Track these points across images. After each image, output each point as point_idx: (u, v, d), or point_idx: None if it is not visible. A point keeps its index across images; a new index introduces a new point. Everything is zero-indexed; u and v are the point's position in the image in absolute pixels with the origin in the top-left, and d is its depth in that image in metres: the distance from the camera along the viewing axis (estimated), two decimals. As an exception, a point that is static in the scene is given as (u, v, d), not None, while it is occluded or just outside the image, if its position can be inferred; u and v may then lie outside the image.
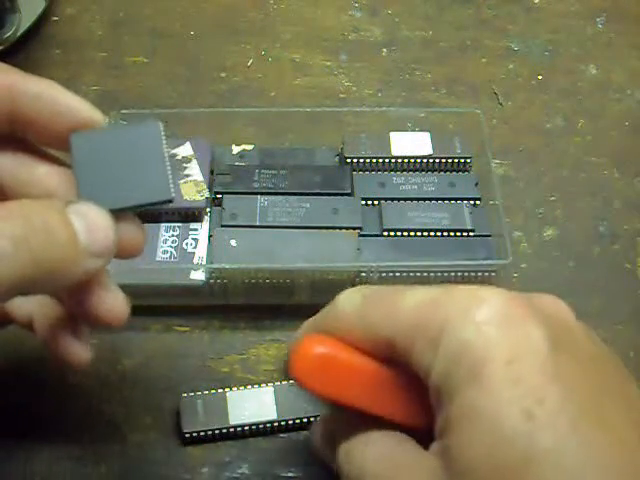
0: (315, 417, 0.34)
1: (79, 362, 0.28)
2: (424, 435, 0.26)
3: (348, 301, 0.28)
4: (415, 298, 0.26)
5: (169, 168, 0.26)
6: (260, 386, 0.35)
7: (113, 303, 0.26)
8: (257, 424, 0.34)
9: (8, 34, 0.47)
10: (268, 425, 0.35)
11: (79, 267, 0.24)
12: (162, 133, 0.26)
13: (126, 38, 0.51)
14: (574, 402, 0.23)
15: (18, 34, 0.48)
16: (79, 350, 0.28)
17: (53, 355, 0.28)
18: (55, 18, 0.52)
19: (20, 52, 0.49)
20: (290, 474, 0.34)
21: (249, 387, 0.35)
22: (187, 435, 0.34)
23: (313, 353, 0.27)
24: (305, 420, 0.35)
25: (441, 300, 0.25)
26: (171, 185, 0.26)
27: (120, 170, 0.25)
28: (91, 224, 0.24)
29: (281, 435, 0.35)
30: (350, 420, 0.29)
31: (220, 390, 0.35)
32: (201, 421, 0.34)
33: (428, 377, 0.25)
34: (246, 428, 0.34)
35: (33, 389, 0.36)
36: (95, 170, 0.25)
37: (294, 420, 0.35)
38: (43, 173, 0.27)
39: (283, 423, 0.35)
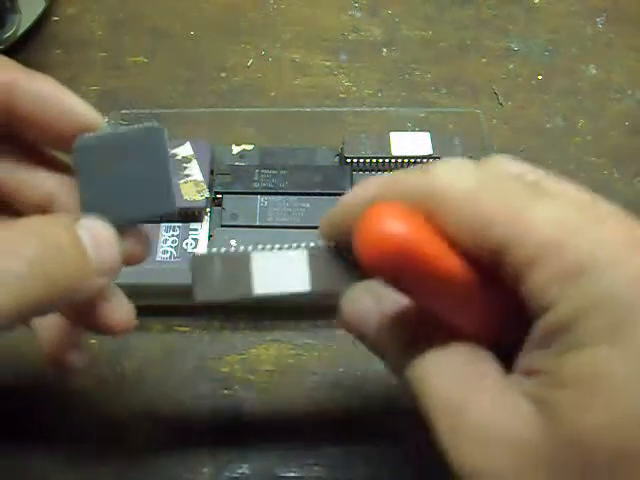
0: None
1: (75, 367, 0.28)
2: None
3: (456, 178, 0.22)
4: (551, 211, 0.21)
5: (171, 178, 0.25)
6: (291, 247, 0.28)
7: (119, 312, 0.26)
8: (287, 295, 0.26)
9: (8, 34, 0.47)
10: (300, 297, 0.26)
11: (89, 285, 0.24)
12: (165, 139, 0.25)
13: (126, 38, 0.51)
14: None
15: (18, 34, 0.48)
16: (76, 356, 0.28)
17: (49, 359, 0.28)
18: (55, 18, 0.52)
19: (20, 52, 0.49)
20: (290, 474, 0.34)
21: (277, 247, 0.28)
22: (200, 302, 0.26)
23: (394, 231, 0.21)
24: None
25: (588, 229, 0.21)
26: (173, 197, 0.25)
27: (123, 180, 0.25)
28: (98, 241, 0.24)
29: (281, 435, 0.35)
30: (427, 319, 0.23)
31: (242, 248, 0.26)
32: (218, 288, 0.26)
33: (545, 311, 0.20)
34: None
35: (33, 390, 0.36)
36: (98, 180, 0.25)
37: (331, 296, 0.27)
38: (43, 176, 0.26)
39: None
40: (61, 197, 0.26)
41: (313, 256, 0.27)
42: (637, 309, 0.19)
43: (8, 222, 0.23)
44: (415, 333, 0.24)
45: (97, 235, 0.24)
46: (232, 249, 0.26)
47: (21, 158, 0.26)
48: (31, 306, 0.22)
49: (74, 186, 0.25)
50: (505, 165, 0.24)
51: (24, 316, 0.22)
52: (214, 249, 0.26)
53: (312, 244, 0.27)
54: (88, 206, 0.25)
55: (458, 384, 0.22)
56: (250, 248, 0.27)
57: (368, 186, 0.24)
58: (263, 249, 0.27)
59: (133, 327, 0.27)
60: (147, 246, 0.27)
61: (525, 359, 0.21)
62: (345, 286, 0.27)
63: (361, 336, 0.26)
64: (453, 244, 0.22)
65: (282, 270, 0.27)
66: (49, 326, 0.28)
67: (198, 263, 0.26)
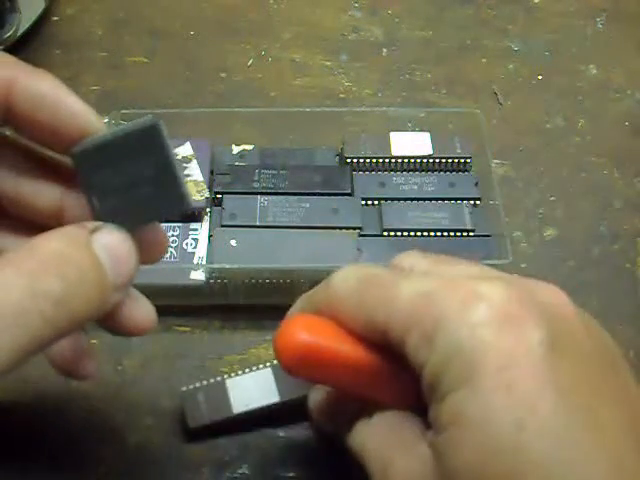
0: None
1: (87, 376, 0.28)
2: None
3: (342, 283, 0.27)
4: (411, 288, 0.25)
5: (178, 171, 0.24)
6: (258, 368, 0.34)
7: (139, 314, 0.26)
8: (261, 409, 0.33)
9: (8, 34, 0.47)
10: (272, 407, 0.34)
11: (107, 305, 0.24)
12: (164, 134, 0.24)
13: (126, 38, 0.51)
14: (567, 407, 0.22)
15: (18, 34, 0.48)
16: (87, 364, 0.28)
17: (61, 370, 0.28)
18: (55, 18, 0.52)
19: (20, 52, 0.49)
20: (290, 474, 0.34)
21: (247, 371, 0.34)
22: (193, 429, 0.34)
23: (297, 340, 0.26)
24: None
25: (438, 294, 0.25)
26: (185, 192, 0.24)
27: (130, 181, 0.24)
28: (116, 257, 0.24)
29: (281, 435, 0.35)
30: (352, 398, 0.29)
31: (219, 378, 0.34)
32: (205, 415, 0.33)
33: (421, 371, 0.25)
34: (251, 415, 0.34)
35: (33, 390, 0.36)
36: (104, 185, 0.24)
37: (296, 399, 0.34)
38: (49, 183, 0.26)
39: (286, 404, 0.34)
40: (70, 203, 0.26)
41: (277, 371, 0.34)
42: (477, 355, 0.23)
43: (23, 247, 0.22)
44: (348, 410, 0.29)
45: (115, 250, 0.24)
46: (212, 380, 0.34)
47: (25, 165, 0.26)
48: (53, 338, 0.22)
49: (84, 200, 0.25)
50: (404, 259, 0.29)
51: (46, 347, 0.22)
52: (197, 384, 0.34)
53: (275, 362, 0.33)
54: (99, 213, 0.24)
55: (385, 446, 0.27)
56: (225, 376, 0.34)
57: (298, 303, 0.30)
58: (236, 375, 0.34)
59: (155, 326, 0.27)
60: (164, 243, 0.27)
61: (429, 413, 0.25)
62: (308, 390, 0.33)
63: (326, 426, 0.32)
64: (356, 332, 0.27)
65: (253, 388, 0.34)
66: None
67: (186, 396, 0.34)
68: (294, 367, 0.26)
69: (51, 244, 0.22)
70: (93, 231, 0.24)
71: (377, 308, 0.26)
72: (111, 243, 0.24)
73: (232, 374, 0.34)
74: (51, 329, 0.21)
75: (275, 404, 0.34)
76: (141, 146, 0.24)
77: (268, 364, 0.35)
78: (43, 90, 0.24)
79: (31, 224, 0.26)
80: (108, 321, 0.26)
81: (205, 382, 0.34)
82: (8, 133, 0.25)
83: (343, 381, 0.27)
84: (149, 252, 0.26)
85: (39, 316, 0.21)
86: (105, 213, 0.24)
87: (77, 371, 0.28)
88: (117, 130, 0.24)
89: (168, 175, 0.24)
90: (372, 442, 0.27)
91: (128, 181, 0.24)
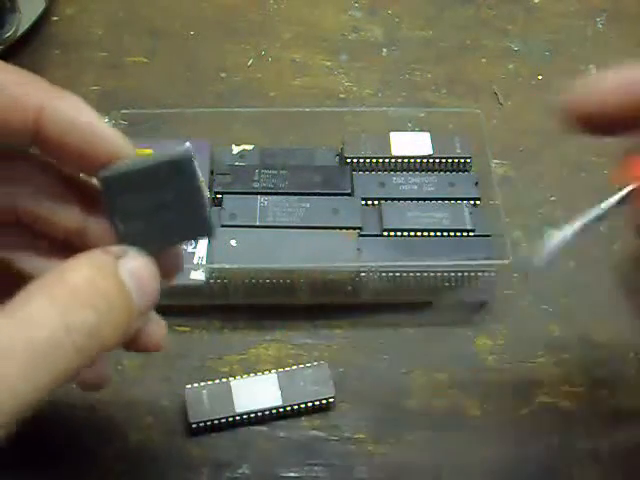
0: (319, 400, 0.35)
1: (102, 385, 0.29)
2: None
3: None
4: None
5: (206, 200, 0.24)
6: (263, 373, 0.36)
7: (155, 331, 0.27)
8: (263, 411, 0.35)
9: (8, 34, 0.47)
10: (274, 411, 0.35)
11: (132, 329, 0.24)
12: (195, 165, 0.24)
13: (126, 38, 0.51)
14: None
15: (18, 34, 0.48)
16: (102, 373, 0.29)
17: (77, 381, 0.28)
18: (55, 18, 0.52)
19: (20, 52, 0.49)
20: (290, 474, 0.34)
21: (252, 375, 0.36)
22: (194, 426, 0.34)
23: None
24: (310, 405, 0.35)
25: None
26: (210, 220, 0.25)
27: (156, 206, 0.24)
28: (142, 283, 0.24)
29: (281, 435, 0.35)
30: None
31: (224, 380, 0.35)
32: (207, 411, 0.34)
33: None
34: (252, 415, 0.35)
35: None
36: (129, 210, 0.24)
37: (299, 405, 0.35)
38: (73, 203, 0.26)
39: (289, 409, 0.35)
40: (93, 222, 0.26)
41: (282, 377, 0.35)
42: None
43: (53, 275, 0.22)
44: None
45: (140, 276, 0.24)
46: (217, 381, 0.35)
47: (50, 184, 0.26)
48: (81, 368, 0.22)
49: (109, 224, 0.25)
50: None
51: (73, 379, 0.22)
52: (202, 383, 0.35)
53: (280, 370, 0.35)
54: (122, 236, 0.24)
55: None
56: (230, 378, 0.35)
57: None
58: (241, 378, 0.35)
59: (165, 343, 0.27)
60: (181, 262, 0.27)
61: None
62: (310, 396, 0.35)
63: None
64: None
65: (257, 391, 0.35)
66: None
67: (190, 393, 0.34)
68: None
69: (81, 273, 0.22)
70: (119, 257, 0.24)
71: None
72: (136, 269, 0.24)
73: (237, 377, 0.35)
74: (82, 359, 0.22)
75: (277, 408, 0.35)
76: (171, 175, 0.24)
77: (273, 371, 0.35)
78: (73, 115, 0.24)
79: (53, 242, 0.26)
80: (127, 342, 0.26)
81: (210, 382, 0.35)
82: (35, 152, 0.25)
83: None
84: (166, 272, 0.26)
85: (72, 348, 0.21)
86: (128, 236, 0.24)
87: (93, 381, 0.28)
88: (148, 158, 0.24)
89: (195, 203, 0.24)
90: None
91: (154, 206, 0.24)
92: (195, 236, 0.26)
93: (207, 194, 0.25)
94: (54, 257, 0.26)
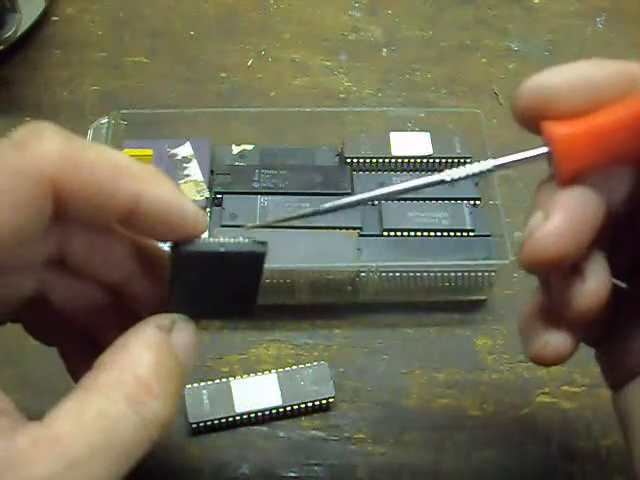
0: (319, 400, 0.35)
1: None
2: None
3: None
4: None
5: (259, 290, 0.25)
6: (263, 373, 0.36)
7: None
8: (263, 411, 0.35)
9: (8, 34, 0.47)
10: (274, 411, 0.35)
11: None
12: (265, 258, 0.25)
13: (126, 38, 0.51)
14: None
15: (18, 34, 0.48)
16: None
17: None
18: (55, 18, 0.52)
19: (20, 52, 0.49)
20: (290, 474, 0.34)
21: (252, 375, 0.36)
22: (194, 426, 0.34)
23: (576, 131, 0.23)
24: (310, 405, 0.35)
25: None
26: (256, 306, 0.26)
27: (214, 285, 0.25)
28: (189, 352, 0.24)
29: (281, 435, 0.35)
30: None
31: (224, 379, 0.35)
32: (207, 411, 0.34)
33: None
34: (252, 415, 0.35)
35: (33, 391, 0.36)
36: (190, 282, 0.25)
37: (299, 405, 0.35)
38: (124, 257, 0.26)
39: (289, 409, 0.35)
40: (137, 279, 0.26)
41: (281, 377, 0.35)
42: None
43: (115, 363, 0.23)
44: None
45: (190, 348, 0.24)
46: (217, 381, 0.35)
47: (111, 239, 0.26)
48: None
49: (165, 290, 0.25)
50: None
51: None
52: (202, 383, 0.35)
53: (280, 370, 0.35)
54: (175, 304, 0.25)
55: None
56: (230, 379, 0.35)
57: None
58: (241, 378, 0.35)
59: None
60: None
61: None
62: (310, 395, 0.35)
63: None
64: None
65: (257, 391, 0.35)
66: None
67: (190, 393, 0.34)
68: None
69: (144, 357, 0.23)
70: (170, 329, 0.24)
71: None
72: (186, 340, 0.24)
73: (237, 377, 0.35)
74: (153, 445, 0.22)
75: (277, 408, 0.35)
76: (240, 263, 0.25)
77: (273, 371, 0.36)
78: (167, 199, 0.24)
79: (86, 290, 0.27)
80: None
81: (210, 382, 0.35)
82: None
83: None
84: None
85: (149, 440, 0.22)
86: (180, 304, 0.25)
87: None
88: (226, 243, 0.24)
89: (250, 291, 0.25)
90: None
91: (212, 282, 0.25)
92: (238, 318, 0.27)
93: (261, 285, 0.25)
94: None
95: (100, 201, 0.23)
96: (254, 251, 0.24)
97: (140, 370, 0.22)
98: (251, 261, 0.25)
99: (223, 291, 0.25)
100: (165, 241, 0.25)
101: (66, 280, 0.26)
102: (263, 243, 0.24)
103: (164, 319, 0.24)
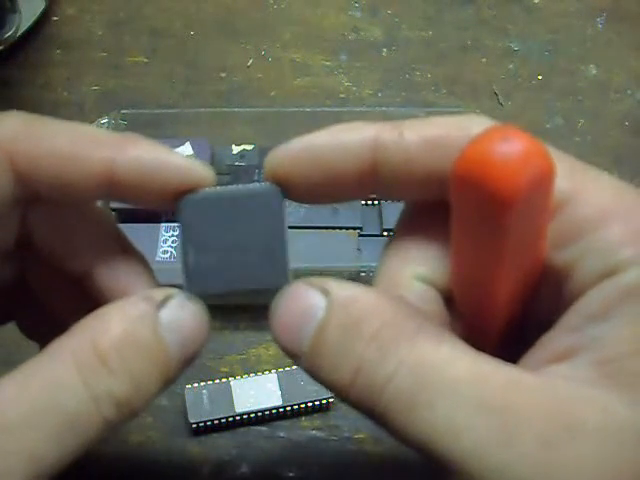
0: (319, 400, 0.35)
1: None
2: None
3: None
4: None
5: (287, 247, 0.22)
6: (263, 373, 0.36)
7: None
8: (263, 411, 0.35)
9: (8, 34, 0.47)
10: (274, 411, 0.35)
11: (170, 383, 0.22)
12: (283, 203, 0.22)
13: (126, 38, 0.51)
14: None
15: (18, 34, 0.48)
16: None
17: None
18: (55, 18, 0.52)
19: (20, 52, 0.49)
20: (290, 474, 0.34)
21: (252, 375, 0.36)
22: (194, 426, 0.34)
23: (535, 149, 0.19)
24: (310, 405, 0.35)
25: None
26: (288, 269, 0.22)
27: (233, 244, 0.22)
28: (184, 334, 0.22)
29: (281, 435, 0.35)
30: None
31: (224, 379, 0.35)
32: (207, 411, 0.34)
33: (610, 275, 0.19)
34: (252, 415, 0.35)
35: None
36: (204, 244, 0.22)
37: (299, 405, 0.35)
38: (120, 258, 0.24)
39: (289, 409, 0.35)
40: (137, 274, 0.25)
41: (281, 377, 0.35)
42: None
43: (80, 331, 0.21)
44: None
45: (183, 328, 0.21)
46: (217, 381, 0.35)
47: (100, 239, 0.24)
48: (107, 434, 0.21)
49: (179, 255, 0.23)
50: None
51: (97, 443, 0.21)
52: (202, 383, 0.35)
53: (280, 370, 0.35)
54: (191, 271, 0.22)
55: None
56: (230, 379, 0.35)
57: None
58: (241, 378, 0.35)
59: None
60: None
61: (556, 343, 0.20)
62: (311, 395, 0.35)
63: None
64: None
65: (258, 391, 0.35)
66: None
67: (190, 393, 0.35)
68: (527, 189, 0.18)
69: (110, 327, 0.21)
70: (161, 304, 0.21)
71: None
72: (180, 320, 0.21)
73: (237, 377, 0.35)
74: (110, 428, 0.20)
75: (277, 408, 0.35)
76: (254, 209, 0.22)
77: (273, 371, 0.36)
78: (144, 158, 0.22)
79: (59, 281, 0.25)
80: None
81: (210, 382, 0.35)
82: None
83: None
84: None
85: (101, 420, 0.20)
86: (197, 272, 0.22)
87: None
88: (233, 187, 0.22)
89: (276, 247, 0.22)
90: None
91: (231, 243, 0.22)
92: (268, 286, 0.23)
93: (289, 241, 0.22)
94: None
95: (65, 172, 0.21)
96: (268, 190, 0.22)
97: (100, 339, 0.20)
98: (269, 206, 0.22)
99: (244, 254, 0.22)
100: (169, 206, 0.22)
101: (43, 268, 0.25)
102: (274, 185, 0.22)
103: (156, 292, 0.22)
